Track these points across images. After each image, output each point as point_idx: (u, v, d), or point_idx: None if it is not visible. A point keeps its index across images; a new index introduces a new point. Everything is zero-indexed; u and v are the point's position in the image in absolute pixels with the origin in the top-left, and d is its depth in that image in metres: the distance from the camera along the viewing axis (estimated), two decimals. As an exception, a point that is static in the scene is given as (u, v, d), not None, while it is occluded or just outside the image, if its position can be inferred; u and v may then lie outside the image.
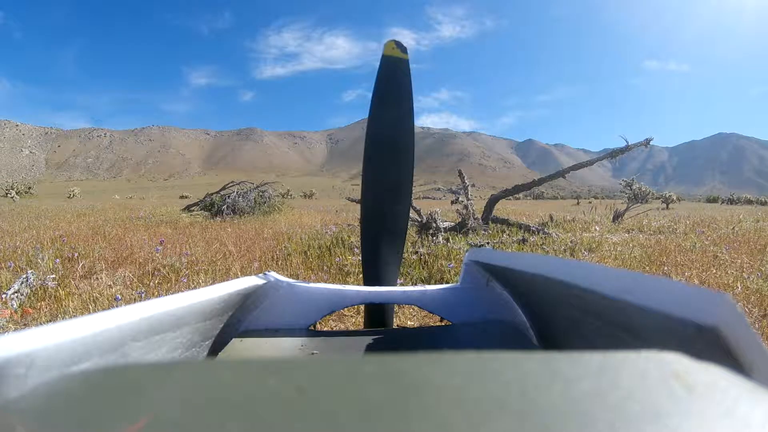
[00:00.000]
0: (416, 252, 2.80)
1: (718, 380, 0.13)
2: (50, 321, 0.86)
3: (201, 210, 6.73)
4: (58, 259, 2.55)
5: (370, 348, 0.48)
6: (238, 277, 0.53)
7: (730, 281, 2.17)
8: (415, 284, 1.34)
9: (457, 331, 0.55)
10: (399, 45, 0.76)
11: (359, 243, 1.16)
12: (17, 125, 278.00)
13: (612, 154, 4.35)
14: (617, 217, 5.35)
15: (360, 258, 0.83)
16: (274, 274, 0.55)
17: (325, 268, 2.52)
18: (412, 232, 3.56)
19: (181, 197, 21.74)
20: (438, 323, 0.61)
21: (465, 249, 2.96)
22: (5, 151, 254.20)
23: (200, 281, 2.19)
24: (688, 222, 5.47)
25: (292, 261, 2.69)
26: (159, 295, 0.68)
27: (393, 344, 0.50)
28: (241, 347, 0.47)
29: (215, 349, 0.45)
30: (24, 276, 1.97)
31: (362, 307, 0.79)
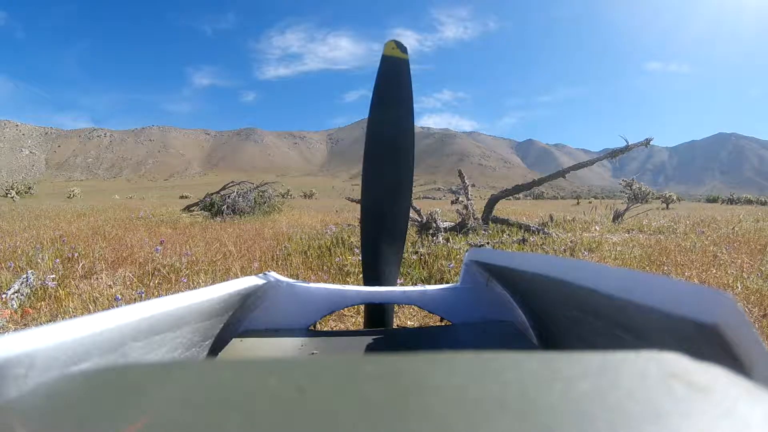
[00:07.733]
0: (416, 252, 2.80)
1: (718, 380, 0.13)
2: (50, 321, 0.85)
3: (201, 210, 6.73)
4: (58, 259, 2.55)
5: (370, 348, 0.48)
6: (238, 277, 0.53)
7: (730, 281, 2.16)
8: (415, 284, 1.34)
9: (457, 331, 0.55)
10: (399, 45, 0.75)
11: (359, 243, 1.15)
12: (17, 125, 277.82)
13: (612, 154, 4.34)
14: (617, 217, 5.35)
15: (360, 258, 0.83)
16: (274, 274, 0.55)
17: (325, 268, 2.51)
18: (412, 232, 3.56)
19: (181, 197, 21.73)
20: (438, 323, 0.61)
21: (465, 249, 2.96)
22: (5, 151, 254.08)
23: (200, 281, 2.19)
24: (688, 222, 5.46)
25: (292, 261, 2.69)
26: (159, 295, 0.68)
27: (393, 344, 0.50)
28: (241, 347, 0.47)
29: (215, 349, 0.45)
30: (24, 276, 1.97)
31: (362, 307, 0.79)
